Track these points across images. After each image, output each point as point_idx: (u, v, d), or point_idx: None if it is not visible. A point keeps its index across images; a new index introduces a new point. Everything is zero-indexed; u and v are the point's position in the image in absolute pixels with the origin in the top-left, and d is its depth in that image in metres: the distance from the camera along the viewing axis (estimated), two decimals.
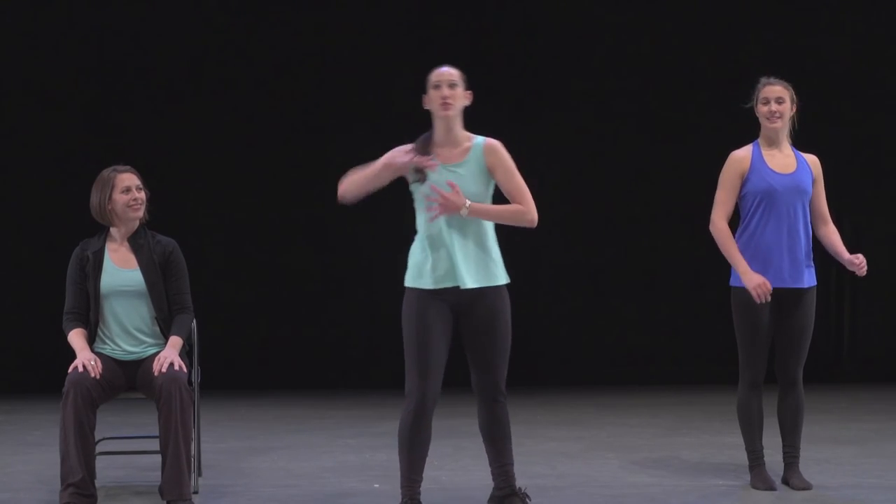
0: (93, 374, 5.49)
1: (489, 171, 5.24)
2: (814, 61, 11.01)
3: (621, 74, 11.26)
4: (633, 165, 11.33)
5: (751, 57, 10.47)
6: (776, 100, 5.97)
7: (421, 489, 5.28)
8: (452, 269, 5.16)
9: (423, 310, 5.16)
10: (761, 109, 6.00)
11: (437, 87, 5.20)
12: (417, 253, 5.25)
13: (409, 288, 5.25)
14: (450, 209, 5.11)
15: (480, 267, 5.21)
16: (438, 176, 5.18)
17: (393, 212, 11.27)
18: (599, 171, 11.11)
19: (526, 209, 5.21)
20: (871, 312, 11.22)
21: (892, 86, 11.30)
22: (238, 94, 11.19)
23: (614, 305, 11.34)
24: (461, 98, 5.23)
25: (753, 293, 5.86)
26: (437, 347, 5.16)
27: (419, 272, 5.21)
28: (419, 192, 5.23)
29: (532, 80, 11.01)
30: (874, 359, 11.34)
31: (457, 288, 5.16)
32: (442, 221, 5.17)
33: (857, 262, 5.96)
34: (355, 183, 5.35)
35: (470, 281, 5.17)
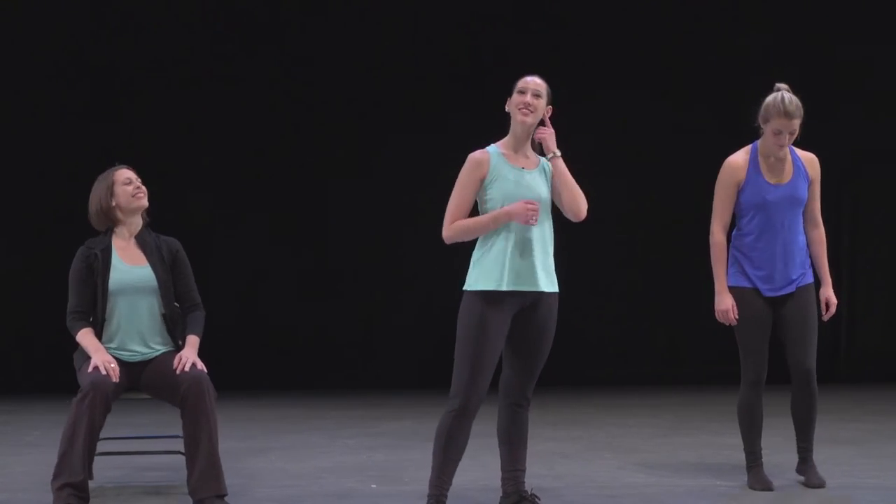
0: (114, 379, 5.46)
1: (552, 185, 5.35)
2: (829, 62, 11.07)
3: (643, 78, 11.28)
4: (632, 166, 11.34)
5: (759, 58, 10.50)
6: (790, 133, 5.81)
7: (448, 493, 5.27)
8: (532, 273, 5.18)
9: (488, 313, 5.13)
10: (770, 137, 5.83)
11: (522, 92, 5.27)
12: (492, 255, 5.20)
13: (473, 291, 5.19)
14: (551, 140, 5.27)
15: (549, 272, 5.27)
16: (518, 178, 5.24)
17: (392, 214, 11.34)
18: (599, 171, 11.11)
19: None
20: (868, 313, 11.23)
21: (889, 82, 11.32)
22: (239, 93, 11.20)
23: (612, 306, 11.35)
24: (541, 109, 5.29)
25: (718, 316, 5.92)
26: (493, 353, 5.15)
27: (492, 274, 5.17)
28: (499, 198, 5.21)
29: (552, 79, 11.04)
30: (871, 359, 11.36)
31: (529, 292, 5.18)
32: (528, 227, 5.18)
33: (826, 312, 5.98)
34: (467, 233, 5.24)
35: (543, 284, 5.22)
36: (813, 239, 6.01)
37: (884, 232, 11.23)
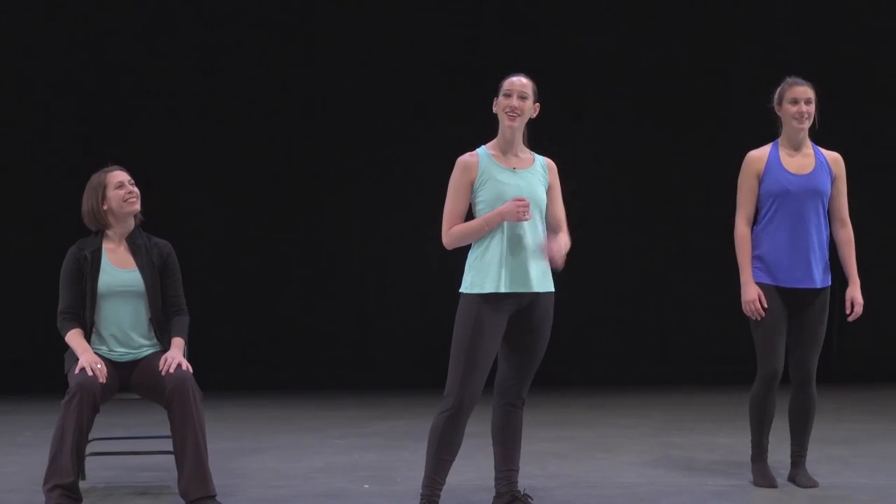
0: (101, 379, 5.46)
1: (549, 187, 5.32)
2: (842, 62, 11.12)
3: (640, 79, 11.30)
4: (630, 164, 11.34)
5: (773, 58, 10.52)
6: (805, 101, 5.90)
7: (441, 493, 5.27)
8: (526, 274, 5.18)
9: (482, 315, 5.13)
10: (790, 109, 5.91)
11: (508, 95, 5.24)
12: (487, 258, 5.19)
13: (470, 293, 5.18)
14: (559, 259, 5.18)
15: (544, 272, 5.25)
16: (508, 178, 5.21)
17: (386, 215, 11.33)
18: (597, 168, 11.13)
19: (568, 234, 5.35)
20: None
21: (883, 81, 11.35)
22: (235, 92, 11.18)
23: (604, 306, 11.35)
24: (529, 110, 5.26)
25: (744, 307, 5.90)
26: (488, 354, 5.15)
27: (487, 277, 5.16)
28: (490, 199, 5.19)
29: (545, 78, 11.07)
30: (863, 360, 11.37)
31: (524, 293, 5.18)
32: (521, 228, 5.17)
33: (851, 311, 5.99)
34: (464, 238, 5.22)
35: (537, 285, 5.21)
36: (840, 239, 6.02)
37: (874, 233, 11.24)
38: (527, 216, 5.12)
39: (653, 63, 11.34)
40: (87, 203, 5.75)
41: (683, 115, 11.28)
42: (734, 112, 10.50)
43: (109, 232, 5.78)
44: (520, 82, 5.26)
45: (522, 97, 5.23)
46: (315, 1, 11.31)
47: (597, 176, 11.08)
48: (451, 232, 5.22)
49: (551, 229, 5.34)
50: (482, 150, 5.29)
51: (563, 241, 5.23)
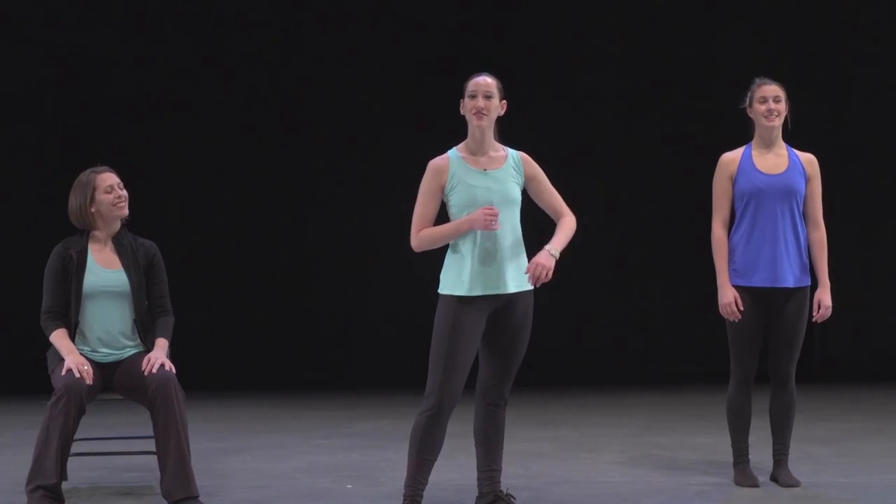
0: (88, 381, 5.45)
1: (526, 181, 5.31)
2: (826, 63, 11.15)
3: (624, 74, 11.31)
4: (611, 166, 11.36)
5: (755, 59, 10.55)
6: (774, 98, 5.94)
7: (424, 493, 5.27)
8: (500, 275, 5.19)
9: (459, 316, 5.14)
10: (759, 108, 5.96)
11: (473, 96, 5.23)
12: (461, 260, 5.20)
13: (447, 295, 5.20)
14: (545, 276, 5.11)
15: (520, 272, 5.23)
16: (478, 181, 5.21)
17: (369, 215, 11.32)
18: (581, 169, 11.14)
19: (572, 217, 5.39)
20: (841, 313, 11.26)
21: (860, 80, 11.39)
22: (217, 92, 11.17)
23: (588, 306, 11.36)
24: (495, 108, 5.26)
25: (721, 310, 5.93)
26: (467, 354, 5.16)
27: (459, 280, 5.18)
28: (462, 203, 5.19)
29: (532, 74, 11.06)
30: (845, 359, 11.41)
31: (499, 294, 5.18)
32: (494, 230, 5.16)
33: (818, 313, 6.02)
34: (433, 242, 5.23)
35: (512, 286, 5.21)
36: (813, 241, 6.02)
37: (856, 232, 11.28)
38: (495, 226, 5.11)
39: (641, 65, 11.33)
40: (74, 201, 5.74)
41: (669, 114, 11.30)
42: (719, 113, 10.50)
43: (95, 232, 5.77)
44: (484, 82, 5.25)
45: (488, 96, 5.23)
46: (301, 2, 11.30)
47: (581, 176, 11.08)
48: (421, 235, 5.23)
49: (554, 218, 5.34)
50: (453, 153, 5.29)
51: (547, 262, 5.12)
